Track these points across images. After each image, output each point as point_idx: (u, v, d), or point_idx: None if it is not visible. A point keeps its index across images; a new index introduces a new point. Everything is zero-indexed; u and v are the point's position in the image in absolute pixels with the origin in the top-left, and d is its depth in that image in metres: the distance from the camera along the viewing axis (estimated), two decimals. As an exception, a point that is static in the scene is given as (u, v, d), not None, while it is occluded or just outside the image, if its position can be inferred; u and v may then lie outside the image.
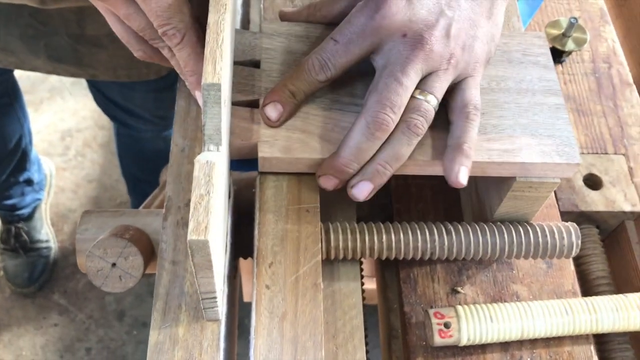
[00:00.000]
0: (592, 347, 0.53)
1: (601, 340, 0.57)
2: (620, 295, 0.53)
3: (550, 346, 0.52)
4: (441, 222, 0.51)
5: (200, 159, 0.35)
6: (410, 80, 0.44)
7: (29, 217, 1.50)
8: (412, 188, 0.61)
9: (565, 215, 0.61)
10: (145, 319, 1.50)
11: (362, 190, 0.46)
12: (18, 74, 1.27)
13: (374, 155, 0.46)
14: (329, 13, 0.51)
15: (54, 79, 1.83)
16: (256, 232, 0.45)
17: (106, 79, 0.86)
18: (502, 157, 0.47)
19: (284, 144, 0.46)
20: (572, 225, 0.52)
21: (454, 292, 0.55)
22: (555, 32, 0.70)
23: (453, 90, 0.47)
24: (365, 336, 0.52)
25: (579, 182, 0.62)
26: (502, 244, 0.51)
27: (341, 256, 0.50)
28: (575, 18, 0.68)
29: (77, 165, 1.73)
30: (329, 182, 0.46)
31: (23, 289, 1.50)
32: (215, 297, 0.38)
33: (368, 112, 0.44)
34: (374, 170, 0.46)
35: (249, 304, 0.44)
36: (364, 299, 0.53)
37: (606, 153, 0.65)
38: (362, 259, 0.55)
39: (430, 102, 0.45)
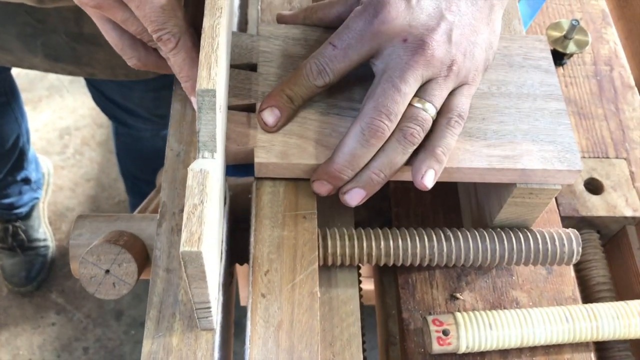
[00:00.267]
0: (593, 355, 0.52)
1: (601, 347, 0.57)
2: (621, 302, 0.52)
3: (550, 354, 0.52)
4: (440, 228, 0.51)
5: (194, 168, 0.35)
6: (409, 87, 0.44)
7: (27, 215, 1.49)
8: (411, 192, 0.60)
9: (566, 220, 0.60)
10: (143, 318, 1.49)
11: (354, 197, 0.46)
12: (16, 72, 1.26)
13: (369, 162, 0.45)
14: (325, 16, 0.51)
15: (52, 77, 1.82)
16: (252, 239, 0.45)
17: (104, 77, 0.85)
18: (502, 164, 0.46)
19: (281, 149, 0.46)
20: (572, 232, 0.51)
21: (453, 298, 0.55)
22: (556, 34, 0.69)
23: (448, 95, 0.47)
24: (363, 342, 0.51)
25: (580, 187, 0.62)
26: (502, 251, 0.50)
27: (339, 262, 0.49)
28: (576, 20, 0.67)
29: (76, 163, 1.72)
30: (322, 188, 0.46)
31: (20, 288, 1.50)
32: (209, 307, 0.38)
33: (364, 119, 0.44)
34: (368, 178, 0.45)
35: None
36: (361, 297, 0.52)
37: (607, 157, 0.64)
38: (360, 265, 0.54)
39: (428, 111, 0.44)
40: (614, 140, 0.65)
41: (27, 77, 1.82)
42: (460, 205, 0.60)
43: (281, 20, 0.53)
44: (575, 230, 0.51)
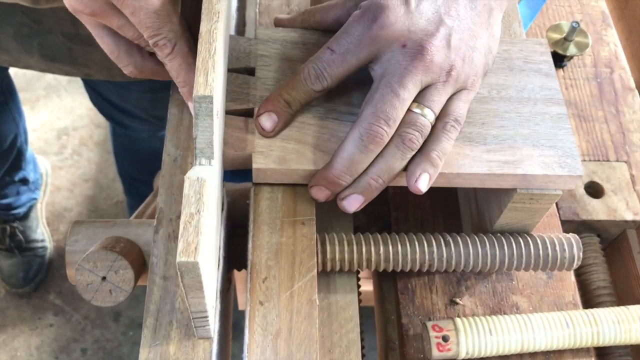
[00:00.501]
0: (593, 361, 0.52)
1: (602, 353, 0.56)
2: (622, 307, 0.52)
3: (550, 359, 0.51)
4: (440, 233, 0.50)
5: (191, 176, 0.34)
6: (408, 92, 0.43)
7: (25, 216, 1.48)
8: (410, 196, 0.60)
9: (566, 224, 0.60)
10: (141, 319, 1.48)
11: (352, 203, 0.45)
12: (13, 71, 1.25)
13: (367, 167, 0.45)
14: (323, 19, 0.50)
15: (49, 77, 1.81)
16: (250, 245, 0.44)
17: (101, 78, 0.85)
18: (502, 169, 0.46)
19: (279, 154, 0.45)
20: (573, 237, 0.51)
21: (453, 303, 0.54)
22: (556, 36, 0.68)
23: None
24: (362, 347, 0.51)
25: (580, 190, 0.61)
26: (502, 256, 0.50)
27: (337, 268, 0.49)
28: (577, 22, 0.67)
29: (74, 164, 1.72)
30: (320, 193, 0.45)
31: (18, 289, 1.49)
32: (206, 317, 0.37)
33: (362, 124, 0.43)
34: (366, 184, 0.45)
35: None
36: (360, 301, 0.52)
37: (608, 160, 0.64)
38: (359, 270, 0.54)
39: (427, 117, 0.44)
40: (615, 143, 0.65)
41: (24, 76, 1.81)
42: (459, 209, 0.59)
43: (279, 24, 0.52)
44: (576, 236, 0.51)
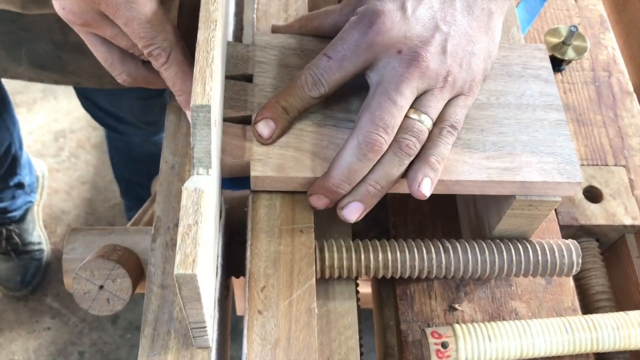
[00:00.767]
0: (593, 367, 0.51)
1: (601, 358, 0.56)
2: (621, 312, 0.52)
3: (550, 366, 0.51)
4: (439, 240, 0.50)
5: (189, 187, 0.34)
6: (405, 99, 0.43)
7: (21, 219, 1.48)
8: (408, 201, 0.60)
9: (565, 229, 0.60)
10: (139, 322, 1.48)
11: (352, 212, 0.45)
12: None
13: (366, 174, 0.44)
14: (320, 26, 0.50)
15: (46, 78, 1.80)
16: (248, 253, 0.44)
17: (91, 86, 0.84)
18: (501, 176, 0.45)
19: (277, 162, 0.45)
20: (572, 243, 0.51)
21: (452, 309, 0.54)
22: (554, 40, 0.68)
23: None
24: (361, 353, 0.51)
25: (579, 195, 0.61)
26: (501, 263, 0.50)
27: (336, 275, 0.49)
28: (575, 26, 0.66)
29: (71, 166, 1.71)
30: (319, 202, 0.45)
31: (15, 293, 1.48)
32: (204, 327, 0.37)
33: (360, 132, 0.43)
34: (365, 191, 0.45)
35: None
36: (358, 300, 0.51)
37: (606, 164, 0.64)
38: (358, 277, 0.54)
39: (424, 122, 0.44)
40: (613, 148, 0.65)
41: (21, 78, 1.80)
42: (458, 214, 0.59)
43: (276, 31, 0.52)
44: (575, 242, 0.51)
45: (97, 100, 1.04)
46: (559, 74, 0.69)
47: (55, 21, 0.75)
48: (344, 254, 0.48)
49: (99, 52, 0.48)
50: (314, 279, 0.43)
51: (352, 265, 0.48)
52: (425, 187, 0.44)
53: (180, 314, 0.42)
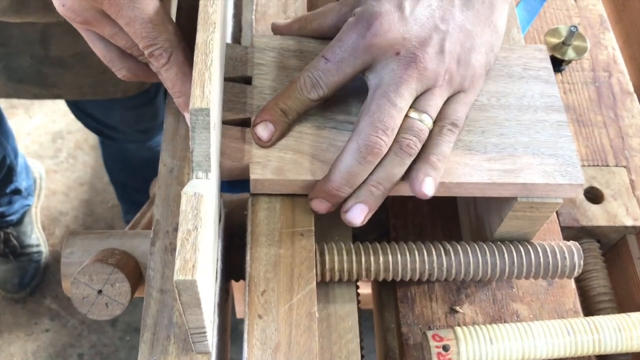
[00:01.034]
0: (595, 369, 0.51)
1: (602, 359, 0.56)
2: (623, 314, 0.52)
3: (551, 368, 0.51)
4: (440, 242, 0.50)
5: (188, 191, 0.33)
6: (404, 101, 0.43)
7: (18, 222, 1.47)
8: (409, 203, 0.59)
9: (566, 230, 0.59)
10: (138, 324, 1.48)
11: (357, 215, 0.45)
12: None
13: (367, 176, 0.44)
14: (320, 27, 0.50)
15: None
16: (248, 257, 0.43)
17: (71, 98, 0.84)
18: (502, 178, 0.45)
19: (277, 164, 0.45)
20: (574, 245, 0.50)
21: (453, 311, 0.54)
22: (554, 40, 0.68)
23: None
24: (362, 357, 0.50)
25: (580, 196, 0.61)
26: (503, 265, 0.49)
27: (336, 278, 0.48)
28: (575, 26, 0.66)
29: (69, 167, 1.71)
30: (321, 206, 0.45)
31: (14, 295, 1.48)
32: (204, 332, 0.37)
33: (360, 135, 0.43)
34: (368, 192, 0.44)
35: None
36: (359, 302, 0.51)
37: (607, 165, 0.63)
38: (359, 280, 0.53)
39: (424, 122, 0.44)
40: (614, 148, 0.64)
41: (18, 80, 1.79)
42: (458, 216, 0.59)
43: (276, 30, 0.51)
44: (577, 243, 0.51)
45: (88, 110, 1.04)
46: (559, 74, 0.69)
47: (35, 34, 0.73)
48: (345, 257, 0.48)
49: (97, 48, 0.47)
50: (315, 283, 0.43)
51: (352, 268, 0.48)
52: (428, 187, 0.44)
53: (180, 318, 0.41)
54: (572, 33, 0.66)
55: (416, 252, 0.49)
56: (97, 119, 1.06)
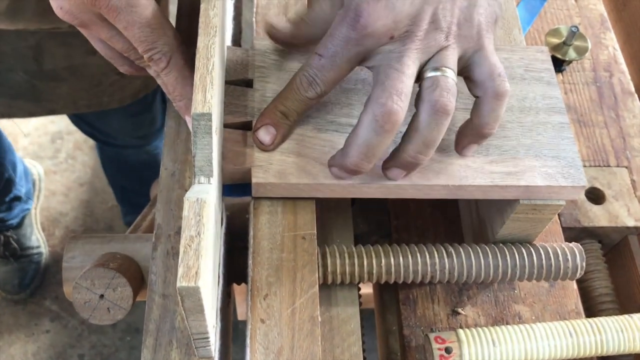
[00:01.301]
0: (597, 371, 0.51)
1: (605, 361, 0.56)
2: (625, 315, 0.52)
3: (554, 370, 0.51)
4: (442, 244, 0.50)
5: (190, 197, 0.33)
6: (410, 69, 0.41)
7: (18, 225, 1.47)
8: (410, 204, 0.59)
9: (567, 231, 0.59)
10: (138, 324, 1.48)
11: (396, 175, 0.44)
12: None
13: (403, 145, 0.43)
14: (314, 34, 0.47)
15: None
16: (250, 261, 0.43)
17: (66, 112, 0.83)
18: (505, 181, 0.45)
19: (279, 168, 0.45)
20: (576, 247, 0.50)
21: (455, 313, 0.54)
22: (555, 40, 0.68)
23: (466, 69, 0.44)
24: (363, 350, 0.50)
25: (581, 197, 0.61)
26: (505, 267, 0.49)
27: (339, 281, 0.48)
28: (576, 26, 0.66)
29: (68, 168, 1.70)
30: (340, 175, 0.44)
31: (14, 296, 1.48)
32: (207, 338, 0.36)
33: (374, 104, 0.40)
34: (405, 162, 0.43)
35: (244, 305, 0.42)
36: (360, 304, 0.51)
37: (608, 165, 0.63)
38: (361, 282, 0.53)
39: (449, 75, 0.41)
40: (615, 148, 0.64)
41: (17, 80, 1.79)
42: (460, 218, 0.59)
43: (272, 37, 0.49)
44: (579, 245, 0.51)
45: (86, 118, 1.03)
46: (559, 75, 0.69)
47: (28, 49, 0.72)
48: (347, 260, 0.48)
49: (98, 47, 0.47)
50: (317, 287, 0.43)
51: (355, 271, 0.48)
52: (469, 152, 0.45)
53: (182, 323, 0.41)
54: (573, 33, 0.66)
55: (418, 255, 0.49)
56: (94, 126, 1.06)
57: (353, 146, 0.42)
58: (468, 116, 0.45)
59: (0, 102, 0.80)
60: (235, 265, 0.49)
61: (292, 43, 0.48)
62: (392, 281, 0.49)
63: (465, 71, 0.44)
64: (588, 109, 0.67)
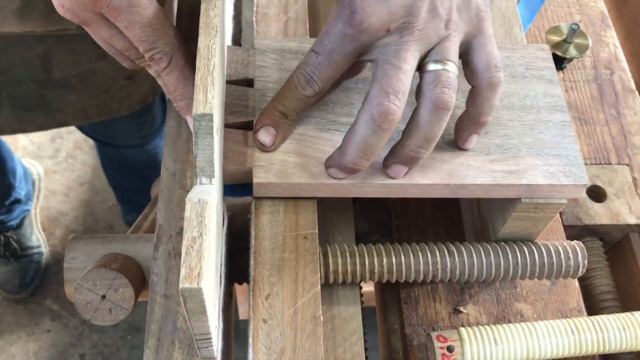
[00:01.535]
0: (599, 369, 0.51)
1: (607, 358, 0.56)
2: (627, 313, 0.52)
3: (556, 368, 0.51)
4: (443, 243, 0.50)
5: (192, 198, 0.33)
6: (409, 64, 0.41)
7: (18, 225, 1.47)
8: (411, 203, 0.59)
9: (569, 229, 0.59)
10: (139, 324, 1.48)
11: (398, 172, 0.44)
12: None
13: (404, 140, 0.43)
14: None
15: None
16: (252, 261, 0.43)
17: (76, 123, 0.81)
18: (506, 179, 0.45)
19: (280, 168, 0.44)
20: (577, 245, 0.50)
21: (457, 312, 0.54)
22: (556, 38, 0.68)
23: (465, 53, 0.44)
24: (365, 344, 0.50)
25: (583, 195, 0.61)
26: (507, 266, 0.49)
27: (340, 280, 0.48)
28: (576, 24, 0.66)
29: (68, 167, 1.70)
30: (338, 175, 0.44)
31: (15, 296, 1.48)
32: (210, 338, 0.36)
33: (371, 104, 0.41)
34: (407, 156, 0.43)
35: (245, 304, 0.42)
36: (362, 303, 0.51)
37: (609, 163, 0.63)
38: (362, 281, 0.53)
39: (450, 69, 0.41)
40: (616, 146, 0.64)
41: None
42: (461, 217, 0.59)
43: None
44: (581, 243, 0.50)
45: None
46: (560, 72, 0.69)
47: (35, 58, 0.71)
48: (348, 259, 0.48)
49: (101, 43, 0.47)
50: (319, 286, 0.43)
51: (356, 271, 0.48)
52: (470, 144, 0.45)
53: (185, 324, 0.41)
54: (574, 31, 0.66)
55: (420, 253, 0.49)
56: (97, 129, 1.06)
57: (350, 145, 0.42)
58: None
59: (11, 115, 0.78)
60: (237, 266, 0.49)
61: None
62: (393, 280, 0.49)
63: (463, 55, 0.44)
64: (589, 107, 0.67)
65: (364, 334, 0.51)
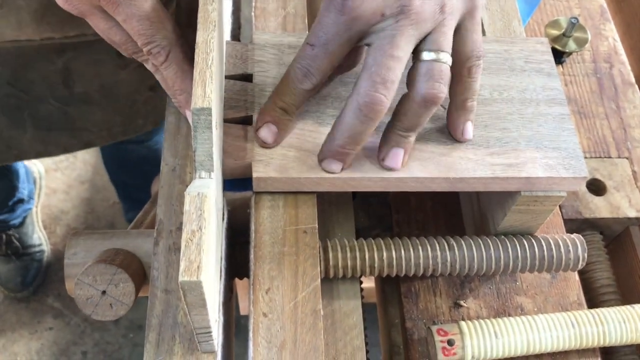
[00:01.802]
0: (600, 361, 0.51)
1: (607, 352, 0.56)
2: (627, 306, 0.52)
3: (556, 361, 0.51)
4: (443, 237, 0.50)
5: (191, 191, 0.33)
6: (402, 50, 0.40)
7: (20, 224, 1.47)
8: (411, 198, 0.59)
9: (569, 223, 0.59)
10: (141, 321, 1.49)
11: (395, 159, 0.44)
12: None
13: (393, 122, 0.43)
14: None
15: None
16: (252, 256, 0.43)
17: (102, 143, 0.78)
18: (506, 172, 0.45)
19: (279, 162, 0.45)
20: (577, 238, 0.50)
21: (457, 305, 0.54)
22: (555, 32, 0.68)
23: (455, 35, 0.43)
24: (365, 338, 0.50)
25: (583, 188, 0.61)
26: (507, 259, 0.49)
27: (340, 275, 0.48)
28: (576, 18, 0.66)
29: (69, 165, 1.70)
30: (332, 166, 0.44)
31: (17, 294, 1.48)
32: (210, 332, 0.37)
33: (359, 92, 0.41)
34: (397, 138, 0.43)
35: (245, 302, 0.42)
36: (362, 297, 0.51)
37: (609, 157, 0.63)
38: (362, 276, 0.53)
39: (442, 60, 0.41)
40: (616, 140, 0.64)
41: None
42: (461, 211, 0.59)
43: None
44: (580, 236, 0.51)
45: None
46: (559, 66, 0.69)
47: (56, 75, 0.69)
48: (348, 254, 0.48)
49: (100, 31, 0.46)
50: (319, 280, 0.43)
51: (356, 265, 0.48)
52: (469, 132, 0.45)
53: (185, 318, 0.41)
54: (573, 24, 0.66)
55: (420, 248, 0.49)
56: None
57: (339, 131, 0.43)
58: None
59: (35, 137, 0.76)
60: (237, 260, 0.49)
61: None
62: (393, 274, 0.49)
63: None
64: (588, 101, 0.67)
65: (365, 328, 0.51)
